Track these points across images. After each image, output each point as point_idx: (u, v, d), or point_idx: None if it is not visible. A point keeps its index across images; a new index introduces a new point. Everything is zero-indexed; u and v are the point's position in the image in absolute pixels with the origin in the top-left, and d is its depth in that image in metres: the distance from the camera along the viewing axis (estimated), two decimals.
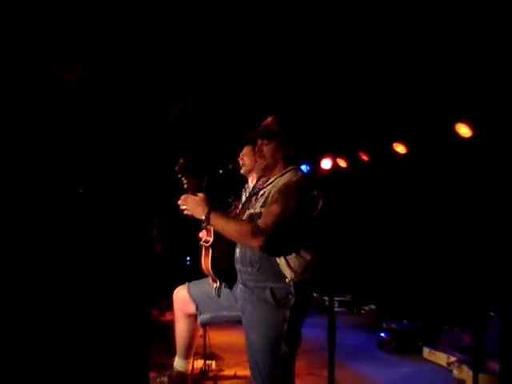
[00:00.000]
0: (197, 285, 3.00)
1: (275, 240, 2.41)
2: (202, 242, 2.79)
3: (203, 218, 2.52)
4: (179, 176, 2.67)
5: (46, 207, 2.78)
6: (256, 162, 2.72)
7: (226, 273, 2.74)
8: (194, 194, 2.60)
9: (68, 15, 2.81)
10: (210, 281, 2.87)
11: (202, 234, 2.86)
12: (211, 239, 2.75)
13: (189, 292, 2.99)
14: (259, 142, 2.66)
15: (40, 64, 2.88)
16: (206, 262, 2.79)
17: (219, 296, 2.87)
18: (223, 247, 2.70)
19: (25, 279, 2.67)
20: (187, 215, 2.61)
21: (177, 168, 2.68)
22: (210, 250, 2.78)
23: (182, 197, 2.60)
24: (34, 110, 2.79)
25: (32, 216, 2.76)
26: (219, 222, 2.52)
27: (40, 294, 2.67)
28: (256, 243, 2.40)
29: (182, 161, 2.68)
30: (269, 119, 2.71)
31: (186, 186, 2.65)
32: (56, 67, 2.88)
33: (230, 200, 2.84)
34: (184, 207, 2.58)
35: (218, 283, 2.84)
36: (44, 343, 2.65)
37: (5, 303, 2.63)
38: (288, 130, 2.67)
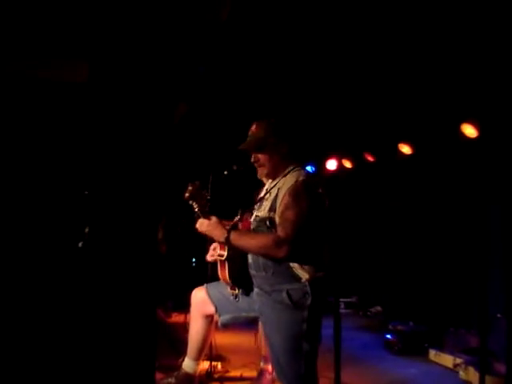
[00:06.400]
0: (215, 287, 2.98)
1: (297, 246, 2.43)
2: (216, 256, 2.78)
3: (223, 240, 2.55)
4: (190, 202, 2.68)
5: (53, 209, 2.80)
6: (257, 170, 2.73)
7: (244, 281, 2.75)
8: (206, 216, 2.63)
9: (71, 18, 2.82)
10: (229, 289, 2.87)
11: (215, 248, 2.85)
12: (225, 253, 2.74)
13: (207, 294, 2.98)
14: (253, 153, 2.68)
15: (43, 67, 2.89)
16: (224, 274, 2.79)
17: (238, 301, 2.86)
18: (239, 257, 2.70)
19: (29, 281, 2.68)
20: (205, 235, 2.64)
21: (187, 195, 2.67)
22: (226, 263, 2.77)
23: (199, 222, 2.64)
24: (39, 113, 2.81)
25: (38, 218, 2.77)
26: (240, 241, 2.56)
27: (45, 295, 2.68)
28: (281, 254, 2.42)
29: (190, 187, 2.67)
30: (253, 127, 2.71)
31: (196, 209, 2.67)
32: (60, 70, 2.90)
33: (239, 211, 2.82)
34: (202, 231, 2.62)
35: (237, 291, 2.84)
36: (49, 345, 2.66)
37: (8, 305, 2.64)
38: (276, 131, 2.66)
